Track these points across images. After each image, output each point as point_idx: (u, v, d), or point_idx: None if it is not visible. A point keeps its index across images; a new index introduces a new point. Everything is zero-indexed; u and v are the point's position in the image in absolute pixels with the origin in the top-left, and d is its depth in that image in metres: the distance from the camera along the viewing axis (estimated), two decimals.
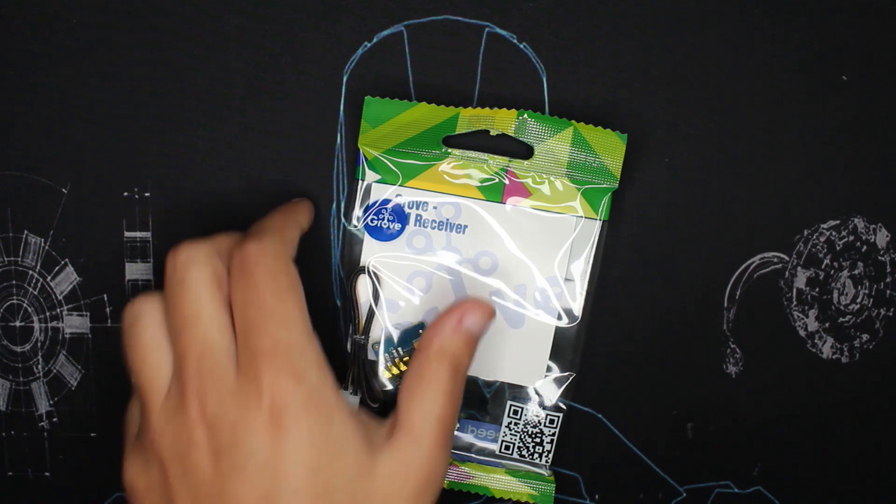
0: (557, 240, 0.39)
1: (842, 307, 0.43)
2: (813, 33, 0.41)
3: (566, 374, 0.41)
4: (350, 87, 0.41)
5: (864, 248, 0.42)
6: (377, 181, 0.39)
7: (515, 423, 0.40)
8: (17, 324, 0.43)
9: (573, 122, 0.39)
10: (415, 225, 0.38)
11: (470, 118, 0.39)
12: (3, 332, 0.43)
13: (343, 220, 0.41)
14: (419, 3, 0.40)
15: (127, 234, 0.42)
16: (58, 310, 0.42)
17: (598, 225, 0.39)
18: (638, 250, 0.42)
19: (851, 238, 0.42)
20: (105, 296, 0.42)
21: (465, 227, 0.38)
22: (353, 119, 0.41)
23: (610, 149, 0.38)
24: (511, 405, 0.40)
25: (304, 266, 0.42)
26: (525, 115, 0.38)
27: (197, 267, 0.33)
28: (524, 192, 0.38)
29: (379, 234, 0.38)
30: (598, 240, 0.39)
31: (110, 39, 0.41)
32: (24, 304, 0.43)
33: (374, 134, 0.39)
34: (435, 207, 0.38)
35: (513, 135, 0.39)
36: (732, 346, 0.43)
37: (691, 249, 0.42)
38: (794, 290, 0.42)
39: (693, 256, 0.42)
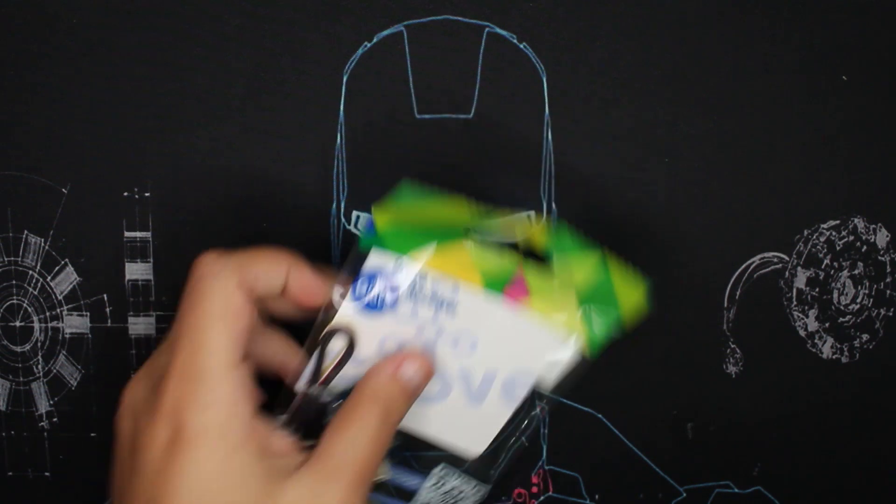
0: (540, 346, 0.37)
1: (842, 307, 0.43)
2: (813, 33, 0.41)
3: (499, 456, 0.40)
4: (350, 87, 0.41)
5: (864, 248, 0.42)
6: (379, 246, 0.36)
7: (437, 486, 0.39)
8: (17, 324, 0.43)
9: (602, 250, 0.37)
10: (407, 296, 0.36)
11: (501, 226, 0.37)
12: (3, 332, 0.43)
13: (343, 220, 0.41)
14: (419, 3, 0.40)
15: (127, 234, 0.42)
16: (58, 310, 0.42)
17: (578, 350, 0.37)
18: (638, 250, 0.42)
19: (851, 238, 0.42)
20: (105, 296, 0.42)
21: (456, 306, 0.36)
22: (354, 119, 0.41)
23: (627, 286, 0.37)
24: (440, 467, 0.39)
25: None
26: (557, 232, 0.37)
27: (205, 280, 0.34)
28: (525, 292, 0.36)
29: (367, 302, 0.36)
30: (576, 366, 0.37)
31: (110, 39, 0.41)
32: (24, 304, 0.43)
33: (396, 206, 0.37)
34: (433, 283, 0.36)
35: (539, 249, 0.37)
36: (732, 346, 0.43)
37: (691, 249, 0.42)
38: (794, 290, 0.42)
39: (693, 256, 0.42)
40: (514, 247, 0.37)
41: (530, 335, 0.36)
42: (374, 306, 0.35)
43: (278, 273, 0.35)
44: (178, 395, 0.32)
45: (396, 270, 0.35)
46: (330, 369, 0.36)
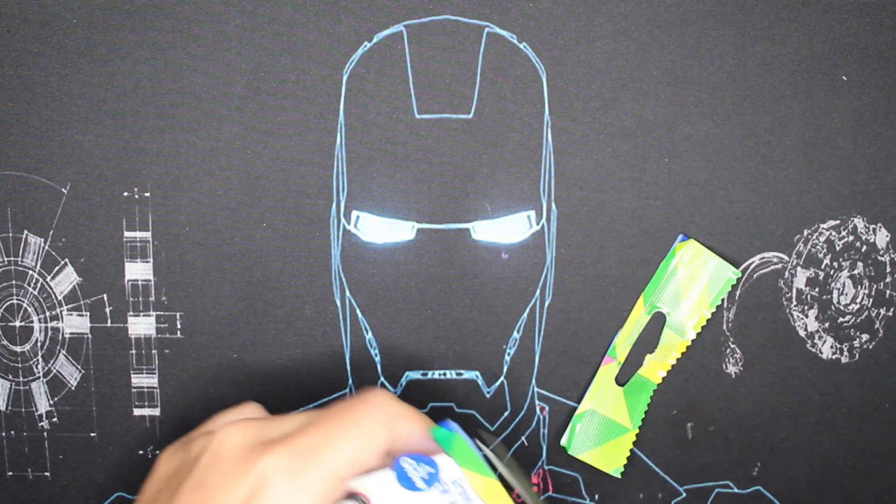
0: None
1: (842, 307, 0.43)
2: (813, 33, 0.41)
3: None
4: (350, 86, 0.41)
5: (864, 248, 0.42)
6: (447, 447, 0.35)
7: None
8: (17, 324, 0.43)
9: None
10: (439, 491, 0.35)
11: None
12: (3, 332, 0.43)
13: (343, 219, 0.41)
14: (419, 3, 0.40)
15: (127, 234, 0.42)
16: (58, 310, 0.42)
17: None
18: (638, 250, 0.42)
19: (851, 238, 0.42)
20: (105, 296, 0.42)
21: None
22: (353, 119, 0.41)
23: None
24: None
25: (304, 266, 0.42)
26: None
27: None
28: None
29: (405, 479, 0.35)
30: None
31: (110, 39, 0.41)
32: (24, 304, 0.43)
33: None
34: (465, 495, 0.35)
35: None
36: (732, 346, 0.43)
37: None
38: (794, 290, 0.42)
39: None
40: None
41: None
42: (410, 485, 0.35)
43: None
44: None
45: (447, 470, 0.35)
46: None
